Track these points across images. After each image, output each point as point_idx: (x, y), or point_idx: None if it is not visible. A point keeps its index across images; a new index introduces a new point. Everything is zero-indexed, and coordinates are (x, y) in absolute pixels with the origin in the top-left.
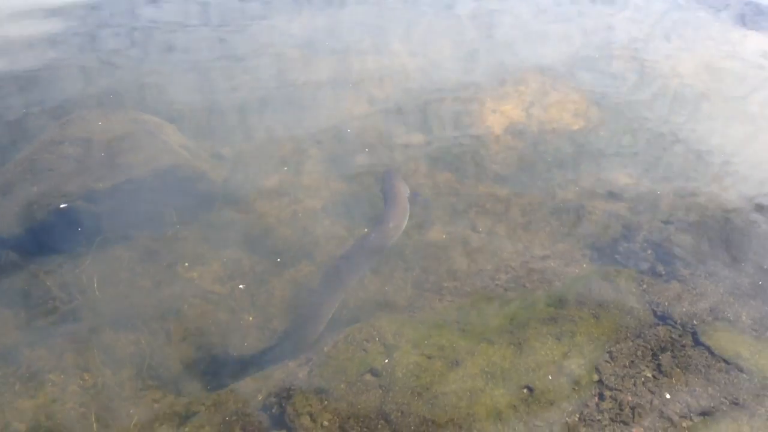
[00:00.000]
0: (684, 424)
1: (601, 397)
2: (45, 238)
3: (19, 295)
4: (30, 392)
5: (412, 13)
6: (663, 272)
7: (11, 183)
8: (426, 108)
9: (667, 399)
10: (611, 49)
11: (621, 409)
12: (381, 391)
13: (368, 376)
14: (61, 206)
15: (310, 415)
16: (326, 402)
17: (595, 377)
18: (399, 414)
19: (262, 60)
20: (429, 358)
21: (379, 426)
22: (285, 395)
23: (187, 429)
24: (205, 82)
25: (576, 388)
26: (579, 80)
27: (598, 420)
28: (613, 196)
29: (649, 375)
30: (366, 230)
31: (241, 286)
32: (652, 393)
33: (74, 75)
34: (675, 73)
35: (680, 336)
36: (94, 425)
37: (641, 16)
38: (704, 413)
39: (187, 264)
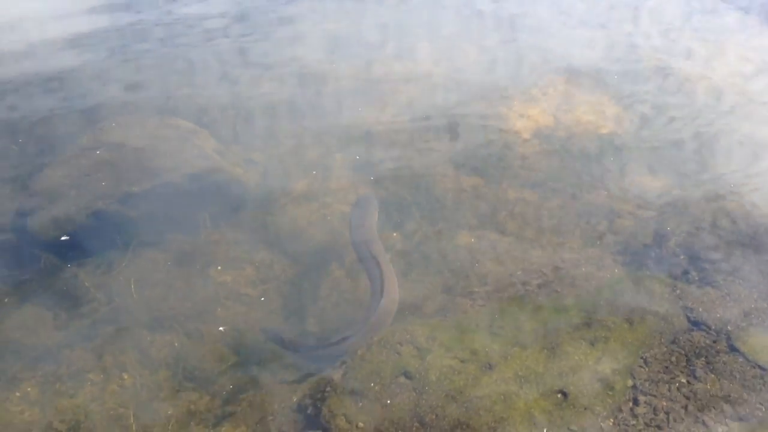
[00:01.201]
0: (719, 430)
1: (636, 402)
2: (83, 241)
3: (59, 296)
4: (70, 392)
5: (436, 19)
6: (696, 278)
7: (50, 187)
8: (452, 112)
9: (702, 404)
10: (638, 52)
11: (656, 414)
12: (415, 394)
13: (402, 379)
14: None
15: (345, 416)
16: (361, 404)
17: (630, 382)
18: (433, 417)
19: (289, 67)
20: (462, 361)
21: (414, 428)
22: (320, 396)
23: (223, 429)
24: (235, 88)
25: (610, 393)
26: (607, 84)
27: (633, 425)
28: (643, 200)
29: (684, 381)
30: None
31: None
32: (687, 398)
33: (106, 79)
34: (703, 76)
35: (714, 342)
36: (133, 425)
37: (667, 18)
38: (740, 419)
39: (220, 267)
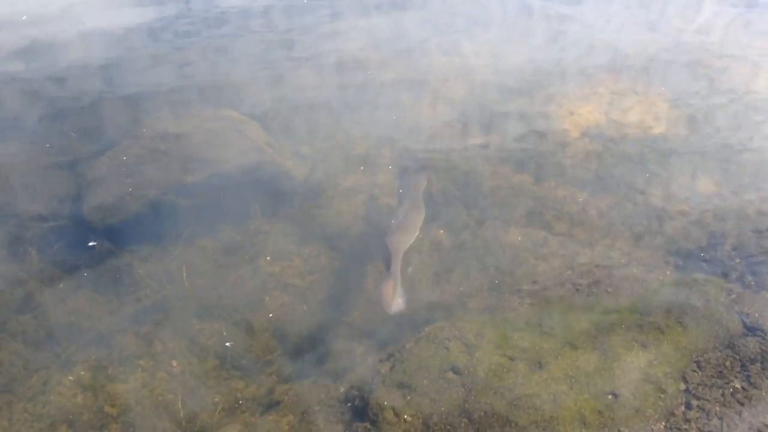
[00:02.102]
0: None
1: (688, 406)
2: (138, 228)
3: (112, 282)
4: (121, 377)
5: (481, 15)
6: (753, 282)
7: (107, 175)
8: (501, 109)
9: (758, 411)
10: (690, 52)
11: (708, 419)
12: (463, 390)
13: (450, 374)
14: (91, 243)
15: (393, 409)
16: (409, 397)
17: (682, 386)
18: (482, 413)
19: (333, 61)
20: (511, 359)
21: (462, 424)
22: (367, 389)
23: (270, 418)
24: (284, 81)
25: (662, 396)
26: (658, 84)
27: (685, 429)
28: (696, 201)
29: (738, 386)
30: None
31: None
32: (742, 404)
33: (159, 70)
34: (756, 76)
35: None
36: (181, 411)
37: (720, 19)
38: None
39: (269, 258)
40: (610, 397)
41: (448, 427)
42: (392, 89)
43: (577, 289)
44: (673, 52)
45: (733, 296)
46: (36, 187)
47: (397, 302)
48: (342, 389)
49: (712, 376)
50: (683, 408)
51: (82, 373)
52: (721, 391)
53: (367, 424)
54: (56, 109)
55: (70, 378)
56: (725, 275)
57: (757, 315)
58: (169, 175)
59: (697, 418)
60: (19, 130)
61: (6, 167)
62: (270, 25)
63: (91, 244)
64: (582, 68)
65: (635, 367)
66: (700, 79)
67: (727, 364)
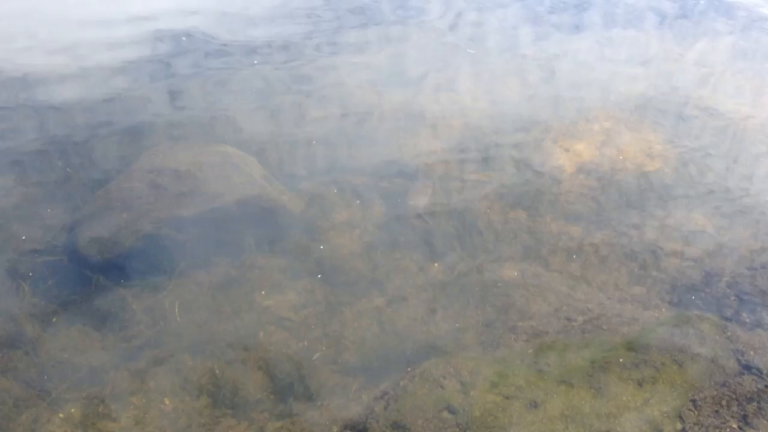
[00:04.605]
0: None
1: None
2: (132, 262)
3: (106, 317)
4: (113, 414)
5: (475, 53)
6: (748, 320)
7: (102, 209)
8: (495, 145)
9: None
10: (682, 90)
11: None
12: (458, 430)
13: (445, 414)
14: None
15: None
16: None
17: (679, 426)
18: None
19: (331, 96)
20: (507, 398)
21: None
22: (361, 428)
23: None
24: (280, 117)
25: None
26: (652, 121)
27: None
28: (691, 239)
29: (735, 426)
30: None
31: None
32: None
33: (156, 105)
34: (749, 116)
35: (766, 387)
36: None
37: (713, 57)
38: None
39: (263, 292)
40: None
41: None
42: (389, 125)
43: (572, 326)
44: (668, 89)
45: (729, 334)
46: (30, 220)
47: None
48: (336, 429)
49: (708, 415)
50: None
51: (73, 410)
52: (717, 431)
53: None
54: (52, 141)
55: (61, 415)
56: (720, 313)
57: (752, 353)
58: (165, 209)
59: None
60: (14, 163)
61: (0, 200)
62: (268, 60)
63: (85, 278)
64: (576, 105)
65: (631, 406)
66: (694, 117)
67: (724, 403)
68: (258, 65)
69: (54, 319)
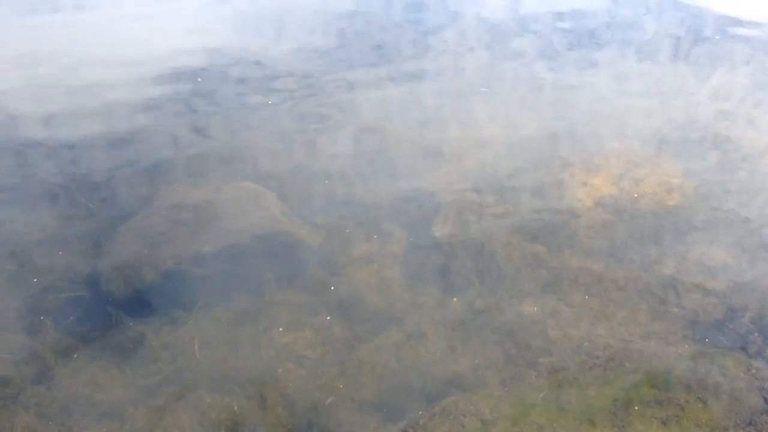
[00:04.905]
0: None
1: None
2: (153, 298)
3: (127, 353)
4: None
5: (495, 87)
6: None
7: (123, 246)
8: (514, 179)
9: None
10: (701, 122)
11: None
12: None
13: None
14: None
15: None
16: None
17: None
18: None
19: (348, 132)
20: None
21: None
22: None
23: None
24: (298, 153)
25: None
26: (670, 154)
27: None
28: (713, 274)
29: None
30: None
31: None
32: None
33: (174, 141)
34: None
35: None
36: None
37: (727, 91)
38: None
39: (281, 329)
40: None
41: None
42: (406, 159)
43: (594, 363)
44: (685, 121)
45: (753, 371)
46: (53, 257)
47: None
48: None
49: None
50: None
51: None
52: None
53: None
54: (74, 179)
55: None
56: (744, 349)
57: None
58: (185, 244)
59: None
60: (38, 199)
61: (23, 237)
62: (286, 97)
63: (106, 314)
64: (594, 139)
65: None
66: (712, 149)
67: None
68: (276, 102)
69: (75, 355)
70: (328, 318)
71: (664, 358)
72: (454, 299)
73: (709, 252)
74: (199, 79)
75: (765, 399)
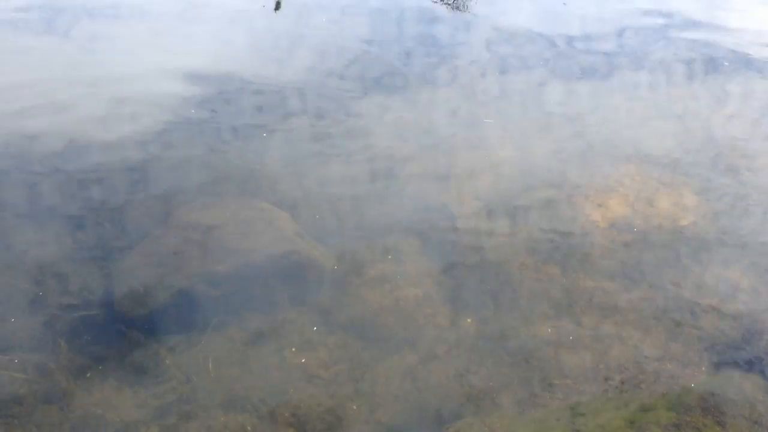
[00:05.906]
0: None
1: None
2: (166, 318)
3: (140, 373)
4: None
5: (507, 109)
6: None
7: (137, 266)
8: (527, 200)
9: None
10: (716, 142)
11: None
12: None
13: None
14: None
15: None
16: None
17: None
18: None
19: (362, 154)
20: None
21: None
22: None
23: None
24: (312, 174)
25: None
26: (685, 174)
27: None
28: (729, 295)
29: None
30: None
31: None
32: None
33: (188, 162)
34: None
35: None
36: None
37: (742, 113)
38: None
39: (294, 348)
40: None
41: None
42: (419, 181)
43: (609, 385)
44: (700, 143)
45: None
46: (67, 277)
47: None
48: None
49: None
50: None
51: None
52: None
53: None
54: (88, 198)
55: None
56: (762, 372)
57: None
58: (199, 264)
59: None
60: (52, 220)
61: (38, 258)
62: (301, 119)
63: (120, 333)
64: (607, 159)
65: None
66: (727, 171)
67: None
68: (291, 124)
69: (88, 375)
70: (342, 338)
71: (681, 380)
72: (468, 320)
73: (725, 273)
74: (217, 98)
75: None
